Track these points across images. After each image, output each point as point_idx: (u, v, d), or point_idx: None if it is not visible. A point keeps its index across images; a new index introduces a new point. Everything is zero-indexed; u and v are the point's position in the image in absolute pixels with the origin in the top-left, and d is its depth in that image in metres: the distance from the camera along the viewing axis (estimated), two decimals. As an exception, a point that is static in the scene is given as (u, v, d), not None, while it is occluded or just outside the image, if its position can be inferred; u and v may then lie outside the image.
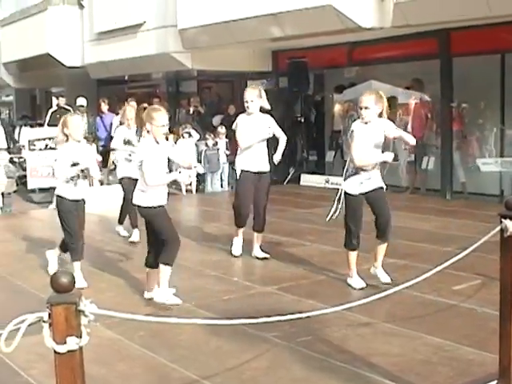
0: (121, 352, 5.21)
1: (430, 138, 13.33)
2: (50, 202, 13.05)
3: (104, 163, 13.12)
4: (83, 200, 7.05)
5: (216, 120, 16.48)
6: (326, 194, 13.10)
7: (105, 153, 13.44)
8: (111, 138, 10.94)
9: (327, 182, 14.63)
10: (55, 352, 2.57)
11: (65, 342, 2.55)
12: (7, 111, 26.28)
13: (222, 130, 15.29)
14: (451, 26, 11.71)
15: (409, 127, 13.55)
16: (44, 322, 2.58)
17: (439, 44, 12.79)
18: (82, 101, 15.74)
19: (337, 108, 15.52)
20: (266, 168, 8.05)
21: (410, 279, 4.62)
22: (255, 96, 7.89)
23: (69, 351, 2.56)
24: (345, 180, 6.86)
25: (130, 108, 9.28)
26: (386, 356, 4.87)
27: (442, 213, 10.94)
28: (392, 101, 14.41)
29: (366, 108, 6.54)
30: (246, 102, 7.91)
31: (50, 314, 2.57)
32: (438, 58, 12.88)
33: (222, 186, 15.51)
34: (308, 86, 16.27)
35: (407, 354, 4.93)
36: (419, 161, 13.33)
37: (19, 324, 2.61)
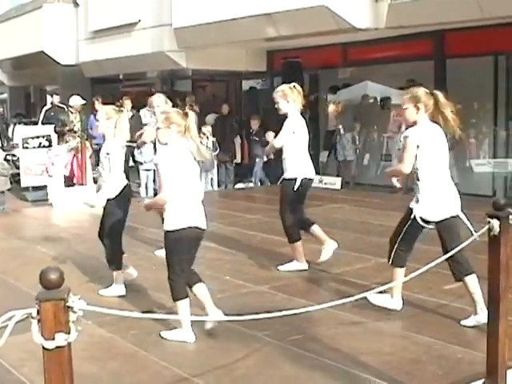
0: (112, 350, 5.22)
1: (423, 139, 13.34)
2: (44, 200, 13.06)
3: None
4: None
5: (209, 119, 16.47)
6: (320, 193, 13.15)
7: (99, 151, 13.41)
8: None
9: (321, 181, 14.65)
10: (44, 348, 2.58)
11: (53, 338, 2.56)
12: (1, 109, 26.22)
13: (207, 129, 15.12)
14: (445, 28, 11.75)
15: (403, 128, 13.59)
16: (32, 318, 2.59)
17: (433, 45, 12.85)
18: (78, 99, 15.72)
19: (331, 108, 15.54)
20: None
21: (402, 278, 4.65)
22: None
23: (57, 347, 2.57)
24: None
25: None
26: (376, 354, 4.90)
27: (435, 213, 10.94)
28: (386, 101, 14.51)
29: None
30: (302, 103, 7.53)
31: (38, 311, 2.58)
32: (432, 59, 12.93)
33: (211, 186, 15.45)
34: (302, 86, 16.26)
35: (397, 352, 4.95)
36: (413, 161, 13.34)
37: (7, 321, 2.62)
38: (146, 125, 15.25)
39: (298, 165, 7.32)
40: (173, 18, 14.11)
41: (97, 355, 5.03)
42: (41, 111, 17.69)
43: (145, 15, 15.49)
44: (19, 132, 16.01)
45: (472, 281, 5.44)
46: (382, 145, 14.57)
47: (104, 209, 6.67)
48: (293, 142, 7.35)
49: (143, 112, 15.44)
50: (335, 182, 14.57)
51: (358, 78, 15.19)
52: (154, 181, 14.48)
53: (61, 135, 14.25)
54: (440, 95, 5.72)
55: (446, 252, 5.26)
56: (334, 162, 15.42)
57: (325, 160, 15.55)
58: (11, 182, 13.93)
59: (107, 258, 6.65)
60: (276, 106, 7.38)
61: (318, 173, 15.28)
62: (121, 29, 16.03)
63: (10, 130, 19.89)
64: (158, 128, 5.56)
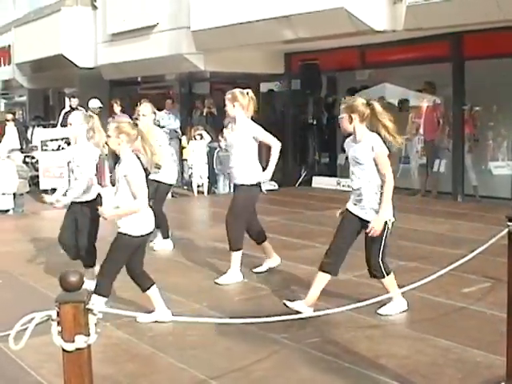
0: (130, 352, 5.24)
1: (441, 141, 13.30)
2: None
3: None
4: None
5: (228, 122, 16.48)
6: (338, 196, 13.12)
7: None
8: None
9: (339, 183, 14.64)
10: (63, 350, 2.60)
11: (73, 340, 2.58)
12: (20, 112, 26.36)
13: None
14: (464, 30, 11.69)
15: (421, 130, 13.56)
16: (52, 320, 2.61)
17: (451, 47, 12.78)
18: (96, 103, 15.81)
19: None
20: None
21: (420, 281, 4.62)
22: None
23: (77, 349, 2.59)
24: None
25: None
26: (393, 358, 4.89)
27: (453, 215, 10.92)
28: (404, 103, 14.46)
29: None
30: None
31: (58, 313, 2.60)
32: (451, 61, 12.87)
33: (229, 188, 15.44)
34: (320, 88, 16.27)
35: (415, 355, 4.93)
36: (431, 163, 13.31)
37: (27, 323, 2.64)
38: (163, 127, 15.33)
39: (257, 169, 7.20)
40: (191, 21, 14.13)
41: (114, 357, 5.06)
42: (59, 114, 17.79)
43: (163, 18, 15.52)
44: (38, 134, 16.10)
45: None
46: (400, 147, 14.51)
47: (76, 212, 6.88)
48: (253, 147, 7.20)
49: (161, 114, 15.49)
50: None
51: (375, 80, 15.15)
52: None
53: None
54: (377, 105, 5.73)
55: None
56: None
57: (343, 162, 15.50)
58: (30, 185, 14.02)
59: (85, 257, 6.91)
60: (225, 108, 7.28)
61: (336, 175, 15.34)
62: (139, 31, 16.07)
63: (29, 132, 20.00)
64: (108, 136, 5.81)
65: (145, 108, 8.87)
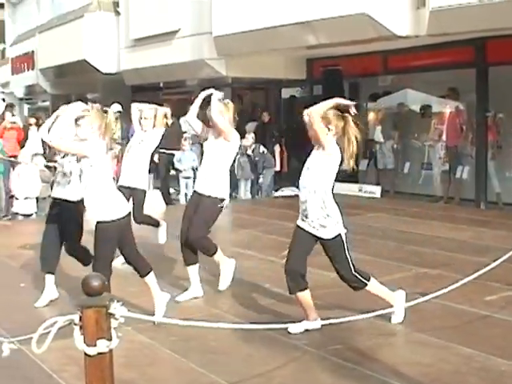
0: (151, 356, 5.24)
1: (464, 148, 13.21)
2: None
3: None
4: None
5: (250, 127, 16.49)
6: (360, 202, 13.10)
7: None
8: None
9: (360, 190, 14.60)
10: (85, 354, 2.60)
11: (95, 345, 2.58)
12: (44, 117, 26.51)
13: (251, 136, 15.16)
14: (487, 35, 11.61)
15: (443, 136, 13.48)
16: (75, 324, 2.62)
17: (475, 53, 12.70)
18: (118, 108, 15.87)
19: (371, 116, 15.47)
20: None
21: (443, 289, 4.59)
22: None
23: (99, 353, 2.59)
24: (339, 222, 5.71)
25: None
26: (415, 365, 4.84)
27: (476, 223, 10.83)
28: (426, 109, 14.39)
29: None
30: None
31: (80, 317, 2.60)
32: (474, 67, 12.79)
33: (258, 193, 15.41)
34: (342, 94, 16.21)
35: (437, 363, 4.88)
36: (453, 170, 13.22)
37: (50, 327, 2.64)
38: (185, 132, 15.36)
39: (227, 183, 7.01)
40: (213, 26, 14.16)
41: (136, 361, 5.05)
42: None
43: (185, 23, 15.57)
44: (61, 139, 16.17)
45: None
46: (422, 153, 14.45)
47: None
48: (231, 158, 7.08)
49: (183, 120, 15.51)
50: (375, 191, 14.49)
51: (398, 85, 15.09)
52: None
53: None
54: (350, 119, 5.55)
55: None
56: (373, 171, 15.32)
57: (364, 168, 15.45)
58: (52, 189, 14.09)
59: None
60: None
61: (357, 181, 15.29)
62: (161, 37, 16.13)
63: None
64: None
65: (149, 111, 8.76)
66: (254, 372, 4.81)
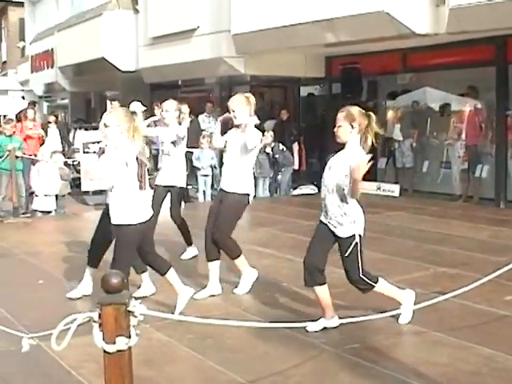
0: (169, 354, 5.26)
1: (484, 146, 13.13)
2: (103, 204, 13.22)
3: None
4: None
5: (268, 125, 16.48)
6: (378, 200, 13.05)
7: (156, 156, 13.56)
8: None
9: (379, 188, 14.54)
10: (104, 351, 2.62)
11: (114, 342, 2.59)
12: (63, 114, 26.67)
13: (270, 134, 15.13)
14: (508, 33, 11.53)
15: (463, 135, 13.41)
16: (94, 321, 2.63)
17: (495, 51, 12.61)
18: (137, 105, 15.88)
19: (390, 115, 15.41)
20: None
21: (462, 288, 4.57)
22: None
23: (118, 351, 2.60)
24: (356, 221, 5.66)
25: None
26: (434, 365, 4.82)
27: (496, 222, 10.78)
28: (445, 108, 14.32)
29: None
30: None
31: (100, 314, 2.61)
32: (494, 65, 12.70)
33: (276, 192, 15.39)
34: (361, 92, 16.18)
35: (456, 364, 4.86)
36: (473, 169, 13.15)
37: (69, 324, 2.65)
38: (204, 130, 15.38)
39: (251, 179, 7.00)
40: (231, 24, 14.16)
41: (154, 359, 5.07)
42: (101, 117, 17.88)
43: (204, 21, 15.59)
44: (80, 137, 16.28)
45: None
46: (441, 152, 14.37)
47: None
48: (254, 154, 6.98)
49: (202, 118, 15.53)
50: (393, 190, 14.44)
51: (417, 84, 15.02)
52: (212, 186, 14.56)
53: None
54: (373, 118, 5.61)
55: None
56: (392, 169, 15.27)
57: (383, 167, 15.40)
58: (71, 187, 14.19)
59: None
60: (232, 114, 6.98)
61: (376, 180, 15.24)
62: (180, 35, 16.15)
63: (71, 135, 20.23)
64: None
65: (170, 104, 8.82)
66: (271, 370, 4.81)
